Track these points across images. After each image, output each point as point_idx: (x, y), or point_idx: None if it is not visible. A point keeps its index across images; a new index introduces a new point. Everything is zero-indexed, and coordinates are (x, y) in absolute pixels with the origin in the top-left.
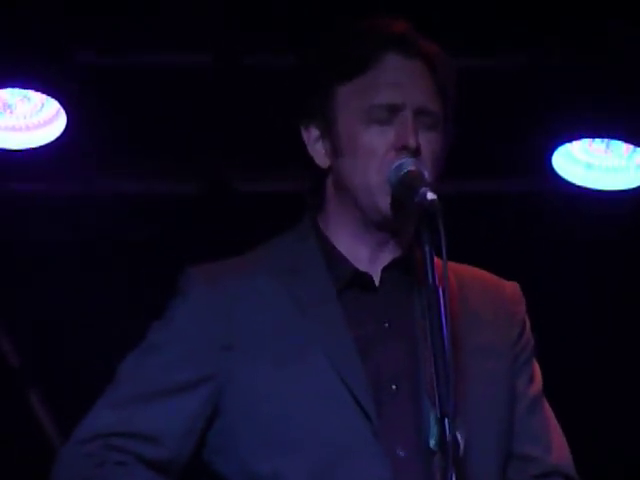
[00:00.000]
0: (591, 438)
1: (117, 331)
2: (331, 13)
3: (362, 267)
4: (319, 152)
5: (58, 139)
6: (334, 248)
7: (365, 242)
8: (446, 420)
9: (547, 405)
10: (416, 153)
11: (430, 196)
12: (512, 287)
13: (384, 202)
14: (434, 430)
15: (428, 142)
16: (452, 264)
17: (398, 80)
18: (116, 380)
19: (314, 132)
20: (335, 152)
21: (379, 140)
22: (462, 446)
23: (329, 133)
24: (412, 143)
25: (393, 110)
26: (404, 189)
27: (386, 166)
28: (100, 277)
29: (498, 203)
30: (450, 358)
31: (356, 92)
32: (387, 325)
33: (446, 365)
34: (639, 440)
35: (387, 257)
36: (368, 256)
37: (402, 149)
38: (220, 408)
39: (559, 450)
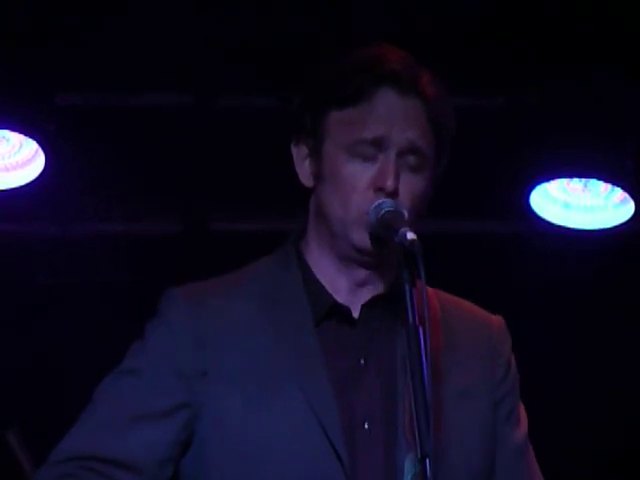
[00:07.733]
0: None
1: (97, 370)
2: (314, 54)
3: (342, 299)
4: (305, 170)
5: (36, 180)
6: (314, 277)
7: (345, 275)
8: (427, 461)
9: (531, 449)
10: (393, 195)
11: (410, 236)
12: (498, 322)
13: (359, 236)
14: (409, 475)
15: (409, 184)
16: (439, 292)
17: (387, 116)
18: (93, 402)
19: (303, 150)
20: (318, 175)
21: (360, 176)
22: None
23: (315, 154)
24: (389, 186)
25: (378, 146)
26: (384, 228)
27: (365, 202)
28: (78, 318)
29: (477, 242)
30: (430, 399)
31: (345, 123)
32: (362, 362)
33: (426, 406)
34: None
35: (368, 293)
36: (347, 289)
37: (379, 190)
38: (194, 436)
39: None
